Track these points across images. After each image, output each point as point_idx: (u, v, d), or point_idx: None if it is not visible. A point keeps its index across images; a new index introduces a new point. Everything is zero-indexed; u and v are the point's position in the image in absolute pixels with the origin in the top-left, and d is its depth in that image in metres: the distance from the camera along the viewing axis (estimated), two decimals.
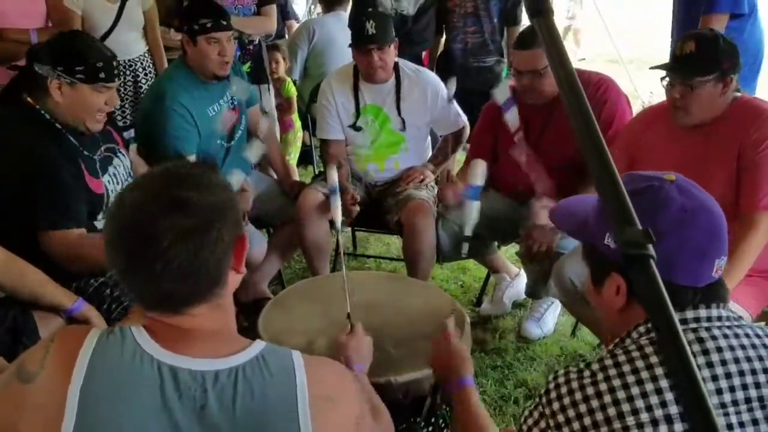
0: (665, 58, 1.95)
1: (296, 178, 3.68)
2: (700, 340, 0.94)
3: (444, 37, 3.48)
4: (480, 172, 2.19)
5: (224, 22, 2.36)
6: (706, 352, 0.93)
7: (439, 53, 3.49)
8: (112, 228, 0.92)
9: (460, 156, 2.94)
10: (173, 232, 0.87)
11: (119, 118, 2.93)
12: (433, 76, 2.71)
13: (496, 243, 2.76)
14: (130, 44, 3.01)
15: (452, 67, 3.30)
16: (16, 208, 1.71)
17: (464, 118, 2.72)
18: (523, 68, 2.26)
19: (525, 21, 3.60)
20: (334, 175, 2.13)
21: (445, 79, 2.73)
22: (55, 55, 1.74)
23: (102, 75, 1.76)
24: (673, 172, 1.03)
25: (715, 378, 0.91)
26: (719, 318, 0.97)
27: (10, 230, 1.66)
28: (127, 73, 3.03)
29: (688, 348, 0.66)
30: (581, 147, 0.71)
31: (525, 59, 2.24)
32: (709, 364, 0.92)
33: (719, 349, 0.93)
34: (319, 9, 5.15)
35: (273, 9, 3.24)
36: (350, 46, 2.53)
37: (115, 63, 1.82)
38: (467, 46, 3.32)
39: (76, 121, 1.80)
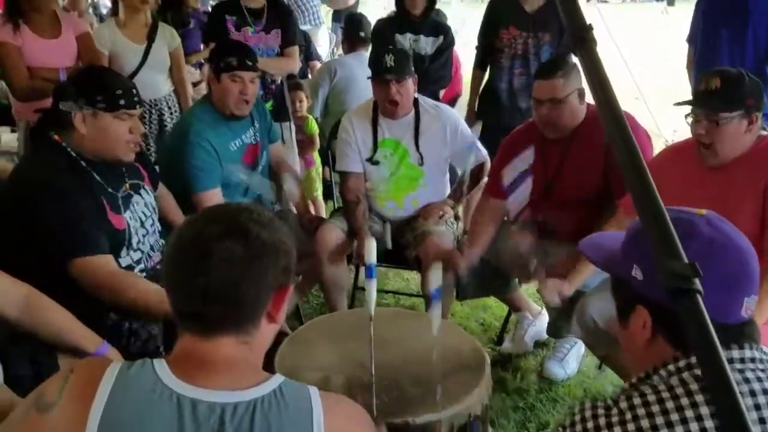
0: (683, 89, 1.94)
1: (323, 212, 3.71)
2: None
3: (487, 73, 3.42)
4: (436, 276, 1.85)
5: (250, 63, 2.41)
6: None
7: (481, 89, 3.44)
8: (175, 239, 0.98)
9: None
10: (222, 255, 0.92)
11: None
12: (452, 112, 2.72)
13: (516, 280, 2.72)
14: (156, 84, 3.10)
15: (497, 105, 3.27)
16: (39, 244, 1.72)
17: (484, 153, 2.72)
18: (543, 97, 2.26)
19: None
20: (372, 252, 1.72)
21: (486, 113, 2.64)
22: (76, 89, 1.78)
23: (122, 102, 1.78)
24: (705, 209, 1.02)
25: None
26: (752, 360, 0.93)
27: (35, 266, 1.67)
28: (153, 111, 3.12)
29: (735, 384, 0.63)
30: (624, 178, 0.71)
31: (544, 88, 2.25)
32: None
33: (753, 393, 0.89)
34: (340, 50, 5.25)
35: (295, 50, 3.32)
36: (369, 77, 2.56)
37: (134, 91, 1.84)
38: (512, 86, 3.28)
39: (105, 153, 1.82)
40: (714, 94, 1.79)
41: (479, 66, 3.40)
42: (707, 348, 0.64)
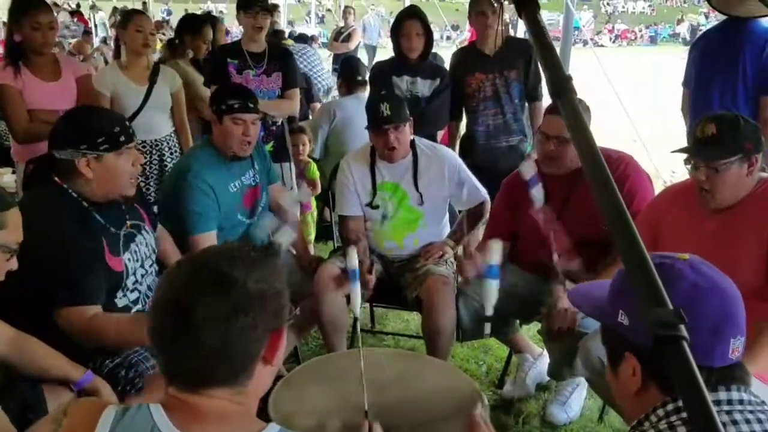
0: (681, 131, 1.94)
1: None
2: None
3: (463, 121, 3.52)
4: (497, 250, 2.14)
5: (251, 105, 2.43)
6: None
7: (461, 137, 3.53)
8: (158, 293, 0.94)
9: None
10: (207, 311, 0.88)
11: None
12: (450, 153, 2.74)
13: (518, 321, 2.68)
14: (156, 125, 3.14)
15: (476, 149, 3.34)
16: (35, 286, 1.70)
17: (484, 192, 2.73)
18: (552, 132, 2.27)
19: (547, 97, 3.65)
20: (354, 257, 2.09)
21: (468, 158, 2.74)
22: (73, 136, 1.76)
23: (122, 138, 1.79)
24: (688, 253, 1.02)
25: None
26: (741, 401, 0.92)
27: (28, 307, 1.67)
28: (153, 152, 3.14)
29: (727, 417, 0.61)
30: (608, 226, 0.70)
31: (555, 124, 2.26)
32: None
33: None
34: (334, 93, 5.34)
35: (296, 92, 3.36)
36: (367, 128, 2.59)
37: (127, 123, 1.86)
38: (489, 128, 3.35)
39: (112, 192, 1.82)
40: (711, 141, 1.78)
41: (452, 117, 3.47)
42: (695, 396, 0.62)
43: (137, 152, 1.86)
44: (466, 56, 3.44)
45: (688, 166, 1.87)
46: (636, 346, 0.96)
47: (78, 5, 16.78)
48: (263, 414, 1.46)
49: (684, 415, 0.89)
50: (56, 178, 1.79)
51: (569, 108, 0.77)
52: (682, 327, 0.64)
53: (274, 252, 1.01)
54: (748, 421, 0.89)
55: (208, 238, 2.38)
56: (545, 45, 0.82)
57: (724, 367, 0.93)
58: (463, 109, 3.46)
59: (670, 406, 0.92)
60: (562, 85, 0.78)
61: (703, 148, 1.81)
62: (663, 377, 0.93)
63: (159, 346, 0.92)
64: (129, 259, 1.89)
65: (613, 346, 1.03)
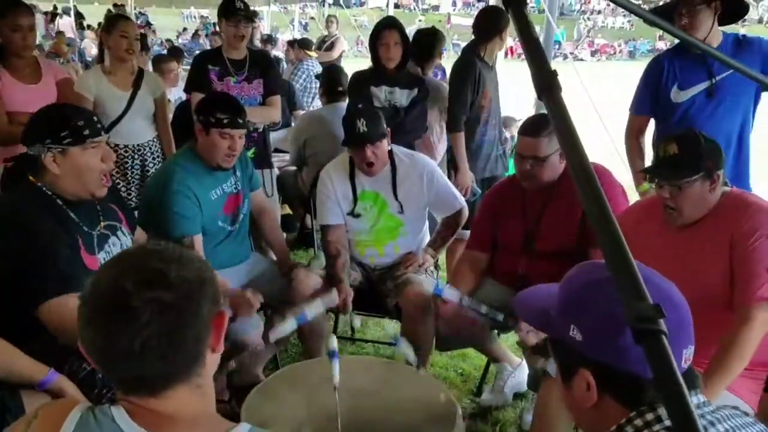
0: None
1: None
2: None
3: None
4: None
5: (240, 121, 2.41)
6: None
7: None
8: (89, 306, 0.88)
9: None
10: (151, 307, 0.85)
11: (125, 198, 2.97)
12: (427, 160, 2.76)
13: (495, 331, 2.70)
14: (139, 130, 3.13)
15: (478, 156, 3.44)
16: (14, 287, 1.68)
17: (462, 200, 2.75)
18: (527, 153, 2.31)
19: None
20: (333, 341, 1.84)
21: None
22: (39, 131, 1.75)
23: (86, 132, 1.75)
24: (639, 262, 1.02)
25: None
26: (698, 406, 0.93)
27: (6, 310, 1.64)
28: (135, 157, 3.13)
29: (698, 420, 0.62)
30: (590, 220, 0.71)
31: (529, 145, 2.30)
32: None
33: None
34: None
35: (277, 99, 3.35)
36: (344, 143, 2.60)
37: (95, 118, 1.82)
38: (492, 139, 3.47)
39: (80, 191, 1.80)
40: (673, 160, 1.82)
41: (462, 128, 3.39)
42: (673, 389, 0.63)
43: (107, 148, 1.83)
44: (481, 67, 3.39)
45: (653, 184, 1.91)
46: (590, 361, 0.92)
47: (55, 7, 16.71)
48: (237, 421, 1.45)
49: (667, 424, 0.88)
50: (31, 177, 1.78)
51: (554, 104, 0.75)
52: (661, 321, 0.64)
53: (188, 245, 1.00)
54: (712, 423, 0.90)
55: (194, 242, 2.36)
56: (531, 40, 0.79)
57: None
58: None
59: (649, 415, 0.90)
60: (547, 81, 0.76)
61: (665, 168, 1.84)
62: (622, 390, 0.91)
63: (102, 354, 0.88)
64: (104, 259, 1.88)
65: (565, 360, 0.98)
